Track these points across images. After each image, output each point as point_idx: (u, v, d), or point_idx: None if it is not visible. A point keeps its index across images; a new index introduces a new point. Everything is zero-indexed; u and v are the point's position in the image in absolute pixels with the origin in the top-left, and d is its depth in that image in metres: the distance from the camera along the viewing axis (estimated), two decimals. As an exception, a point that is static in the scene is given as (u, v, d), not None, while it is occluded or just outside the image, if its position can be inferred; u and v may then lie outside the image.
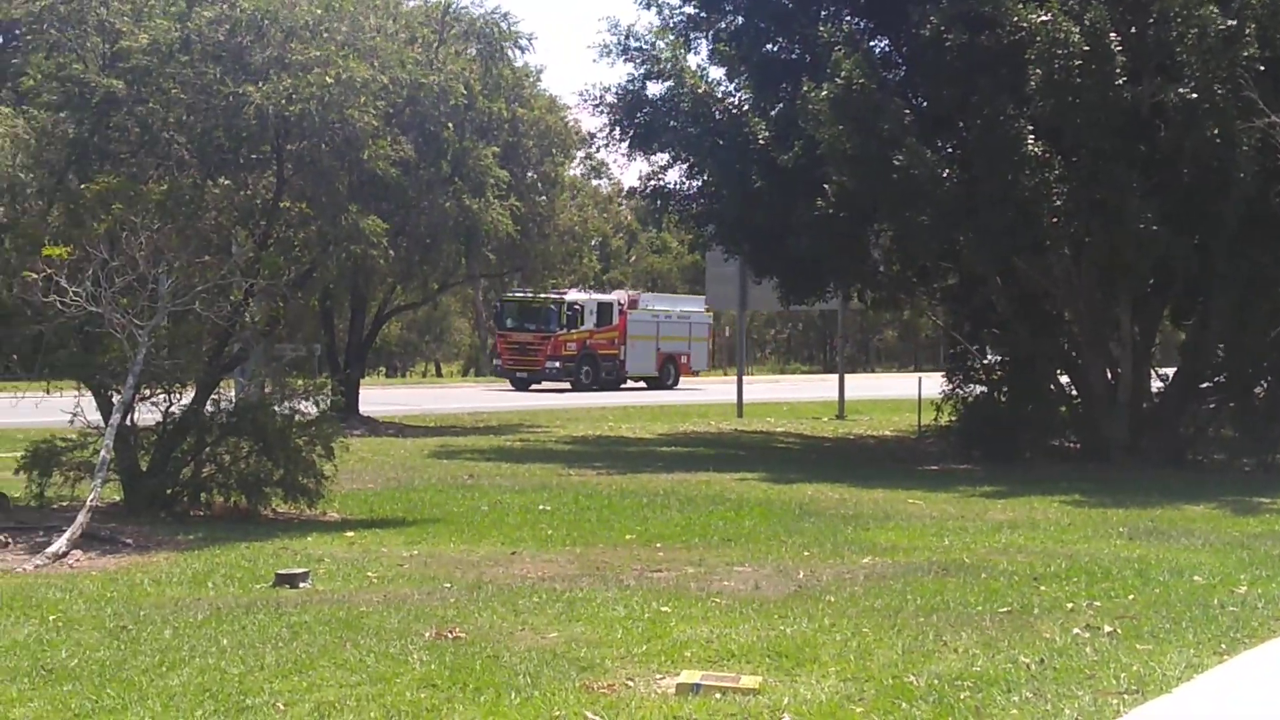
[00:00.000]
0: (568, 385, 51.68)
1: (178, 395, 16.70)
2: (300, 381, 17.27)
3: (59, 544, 13.80)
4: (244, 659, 9.37)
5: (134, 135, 16.04)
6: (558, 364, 51.29)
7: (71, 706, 8.31)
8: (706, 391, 52.05)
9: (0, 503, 15.93)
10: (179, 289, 16.61)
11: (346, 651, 9.57)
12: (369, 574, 13.00)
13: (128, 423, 16.02)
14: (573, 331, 51.62)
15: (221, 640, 9.92)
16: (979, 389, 27.20)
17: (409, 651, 9.56)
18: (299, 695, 8.53)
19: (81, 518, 14.26)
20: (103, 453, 15.08)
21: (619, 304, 54.42)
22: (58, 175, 16.03)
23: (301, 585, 12.31)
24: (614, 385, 53.30)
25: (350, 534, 15.45)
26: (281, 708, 8.26)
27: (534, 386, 51.87)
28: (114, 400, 15.86)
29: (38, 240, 15.76)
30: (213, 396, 17.03)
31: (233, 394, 18.07)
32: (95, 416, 16.31)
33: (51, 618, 10.79)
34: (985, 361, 27.51)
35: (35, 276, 15.59)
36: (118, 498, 16.64)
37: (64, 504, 15.97)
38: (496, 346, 53.00)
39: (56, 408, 16.46)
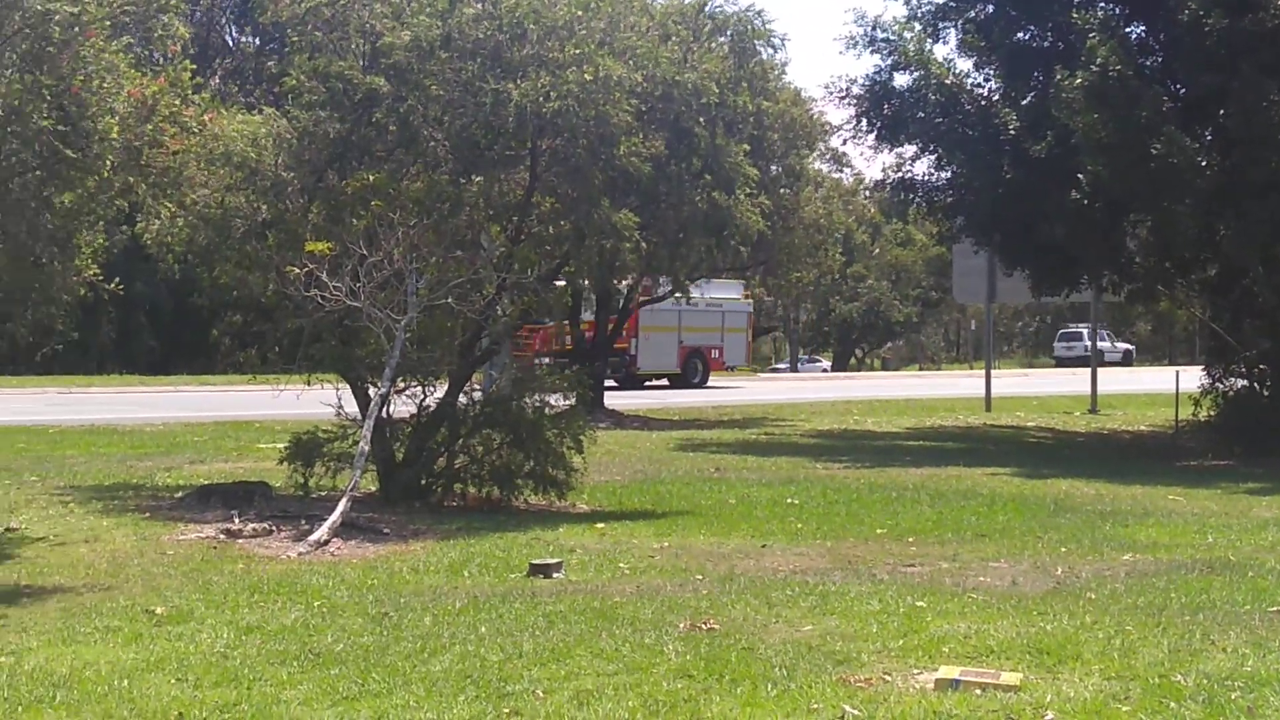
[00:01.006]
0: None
1: (431, 388, 17.03)
2: (549, 375, 17.46)
3: (320, 532, 14.18)
4: (502, 646, 9.49)
5: (393, 133, 16.39)
6: (547, 360, 42.28)
7: (339, 690, 8.51)
8: (746, 390, 47.59)
9: (264, 492, 16.42)
10: (433, 284, 16.96)
11: (602, 641, 9.62)
12: (620, 565, 13.08)
13: (384, 415, 16.38)
14: (566, 324, 42.84)
15: (480, 628, 10.06)
16: (1240, 383, 26.30)
17: (664, 642, 9.58)
18: (557, 683, 8.60)
19: (342, 506, 14.62)
20: (361, 444, 15.45)
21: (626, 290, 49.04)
22: (318, 173, 16.47)
23: (555, 575, 12.44)
24: (630, 384, 46.58)
25: (600, 525, 15.57)
26: (541, 695, 8.34)
27: None
28: (371, 393, 16.24)
29: (299, 237, 16.22)
30: (465, 390, 17.32)
31: (481, 387, 18.35)
32: (353, 408, 16.71)
33: (316, 603, 11.08)
34: (1247, 354, 26.57)
35: (297, 272, 16.05)
36: (374, 488, 17.03)
37: (324, 493, 16.40)
38: None
39: (316, 400, 16.90)
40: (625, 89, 15.61)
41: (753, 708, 8.10)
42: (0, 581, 12.00)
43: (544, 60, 15.86)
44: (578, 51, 15.67)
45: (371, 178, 15.99)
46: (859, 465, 22.56)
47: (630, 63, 15.96)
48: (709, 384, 49.47)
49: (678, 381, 48.05)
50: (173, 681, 8.76)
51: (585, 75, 15.40)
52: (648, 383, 47.78)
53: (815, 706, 8.09)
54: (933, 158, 29.28)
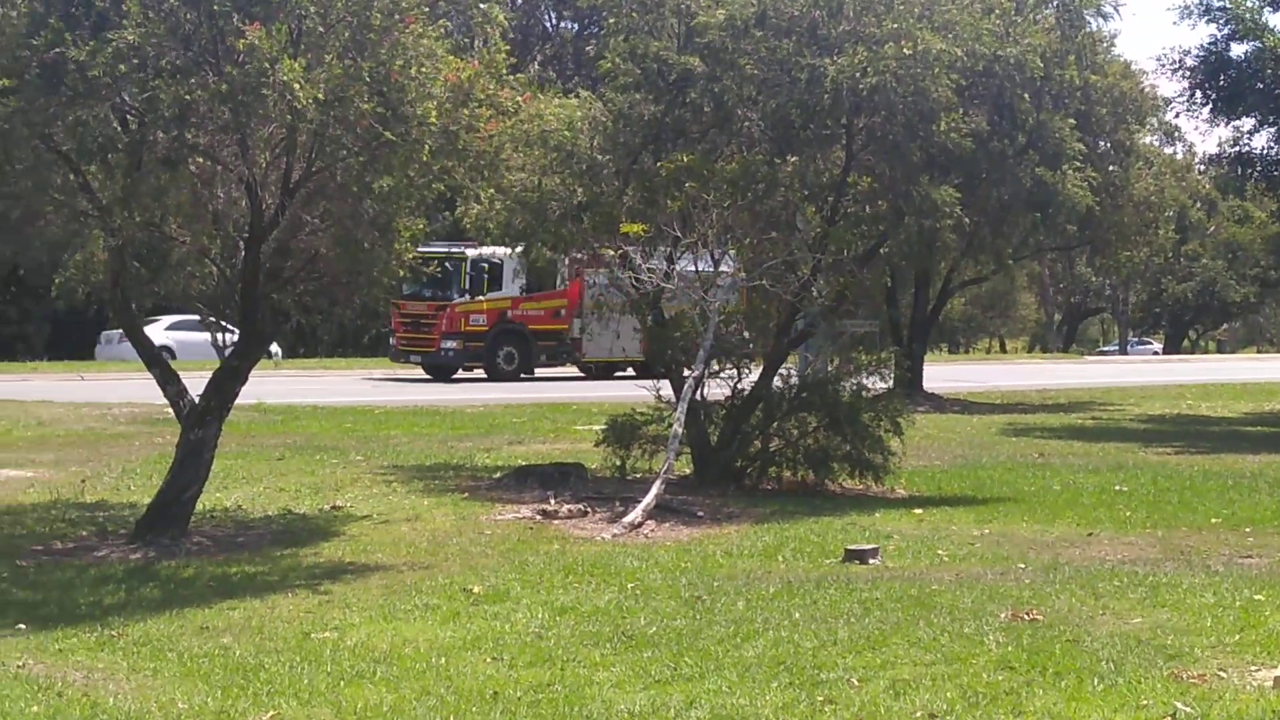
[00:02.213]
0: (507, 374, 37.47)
1: (746, 370, 16.90)
2: (865, 357, 17.15)
3: (634, 514, 14.18)
4: (816, 633, 9.30)
5: (707, 113, 16.28)
6: (453, 343, 37.09)
7: (651, 672, 8.44)
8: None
9: (579, 473, 16.53)
10: (748, 266, 16.83)
11: (920, 629, 9.35)
12: (939, 552, 12.73)
13: (698, 398, 16.32)
14: (482, 299, 37.37)
15: (794, 614, 9.88)
16: None
17: (984, 632, 9.26)
18: (872, 672, 8.37)
19: (656, 489, 14.61)
20: (675, 426, 15.41)
21: (563, 259, 39.29)
22: (633, 155, 16.47)
23: (871, 561, 12.17)
24: (608, 373, 38.94)
25: (918, 511, 15.22)
26: (855, 683, 8.13)
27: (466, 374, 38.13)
28: (685, 375, 16.19)
29: (614, 219, 16.27)
30: (779, 372, 17.14)
31: (796, 369, 18.13)
32: (668, 392, 16.70)
33: (629, 585, 11.05)
34: None
35: (612, 254, 16.11)
36: (688, 470, 16.99)
37: (638, 476, 16.43)
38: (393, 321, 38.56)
39: (632, 383, 16.94)
40: (945, 64, 15.18)
41: (1078, 702, 7.74)
42: (326, 558, 12.32)
43: (861, 36, 15.54)
44: (896, 26, 15.30)
45: (686, 159, 15.91)
46: (1192, 451, 21.63)
47: (950, 37, 15.52)
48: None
49: (642, 370, 35.95)
50: (488, 660, 8.83)
51: (904, 50, 15.02)
52: (616, 372, 39.17)
53: (1144, 703, 7.68)
54: (1273, 130, 27.98)
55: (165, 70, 11.07)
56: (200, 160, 12.06)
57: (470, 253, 36.16)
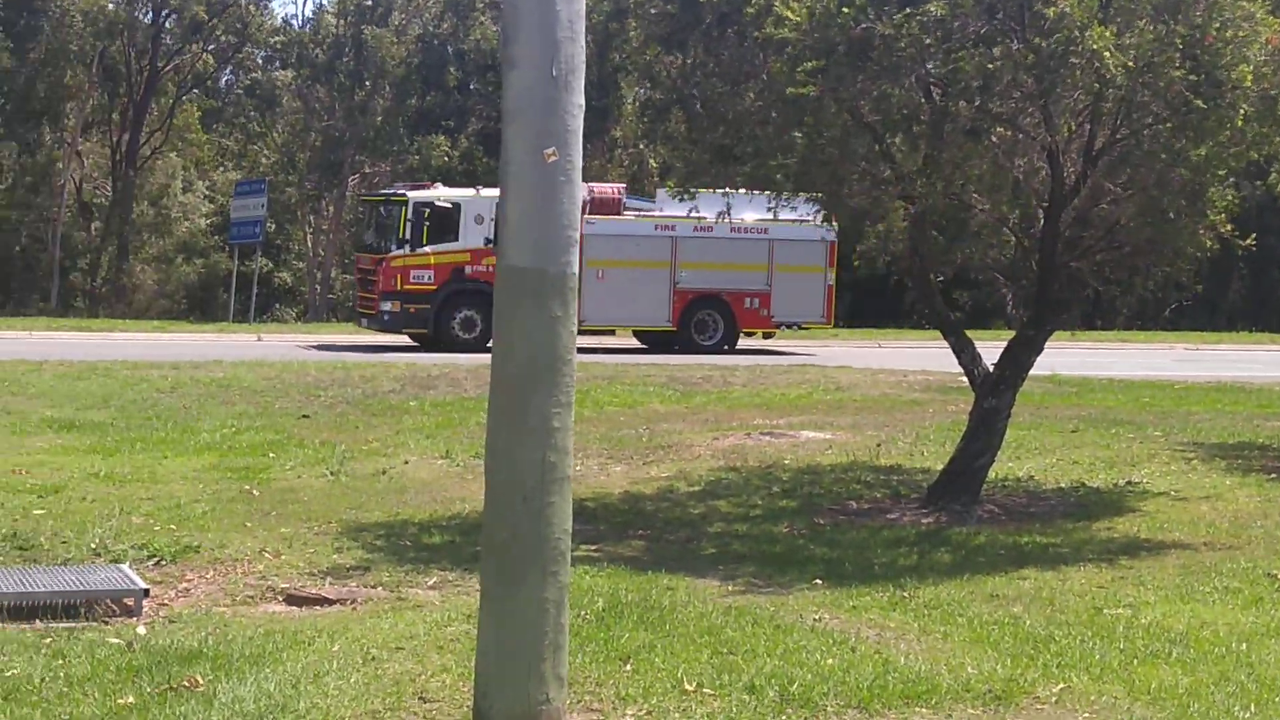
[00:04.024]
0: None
1: None
2: None
3: None
4: None
5: None
6: (390, 304, 30.79)
7: None
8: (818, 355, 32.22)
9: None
10: None
11: None
12: None
13: None
14: (427, 251, 30.70)
15: None
16: None
17: None
18: None
19: None
20: None
21: None
22: None
23: None
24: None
25: None
26: None
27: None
28: None
29: None
30: None
31: None
32: None
33: None
34: None
35: None
36: None
37: None
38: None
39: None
40: None
41: None
42: (1119, 533, 12.05)
43: None
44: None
45: None
46: None
47: None
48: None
49: (668, 342, 32.14)
50: (1290, 650, 8.35)
51: None
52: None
53: None
54: None
55: (969, 41, 11.17)
56: (1001, 130, 12.09)
57: (411, 195, 31.43)
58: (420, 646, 8.14)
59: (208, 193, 59.97)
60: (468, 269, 30.52)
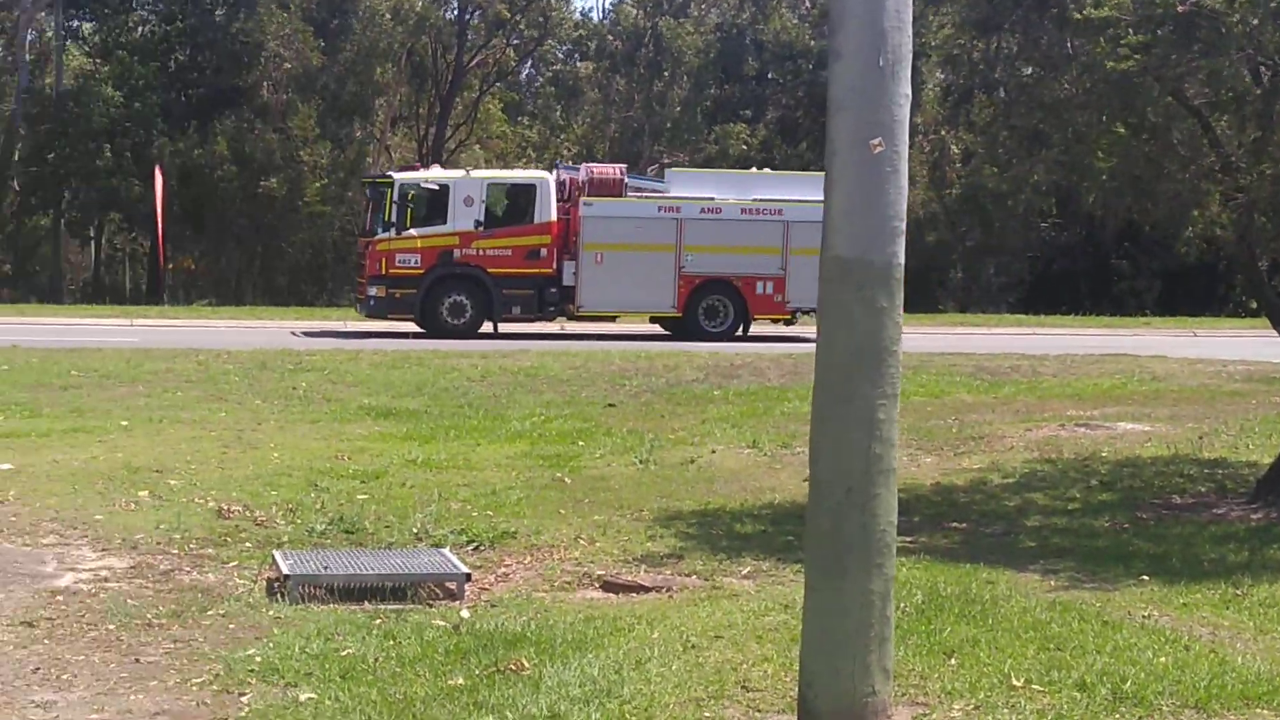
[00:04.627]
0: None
1: None
2: None
3: None
4: None
5: None
6: (376, 289, 29.65)
7: None
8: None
9: None
10: None
11: None
12: None
13: None
14: (414, 234, 29.68)
15: None
16: None
17: None
18: None
19: None
20: None
21: (543, 184, 30.82)
22: None
23: None
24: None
25: None
26: None
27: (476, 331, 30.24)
28: None
29: None
30: None
31: None
32: None
33: None
34: None
35: None
36: None
37: None
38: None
39: None
40: None
41: None
42: None
43: None
44: None
45: None
46: None
47: None
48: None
49: (675, 328, 31.58)
50: None
51: None
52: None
53: None
54: None
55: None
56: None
57: (398, 177, 30.80)
58: (739, 635, 8.14)
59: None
60: (456, 253, 29.90)
